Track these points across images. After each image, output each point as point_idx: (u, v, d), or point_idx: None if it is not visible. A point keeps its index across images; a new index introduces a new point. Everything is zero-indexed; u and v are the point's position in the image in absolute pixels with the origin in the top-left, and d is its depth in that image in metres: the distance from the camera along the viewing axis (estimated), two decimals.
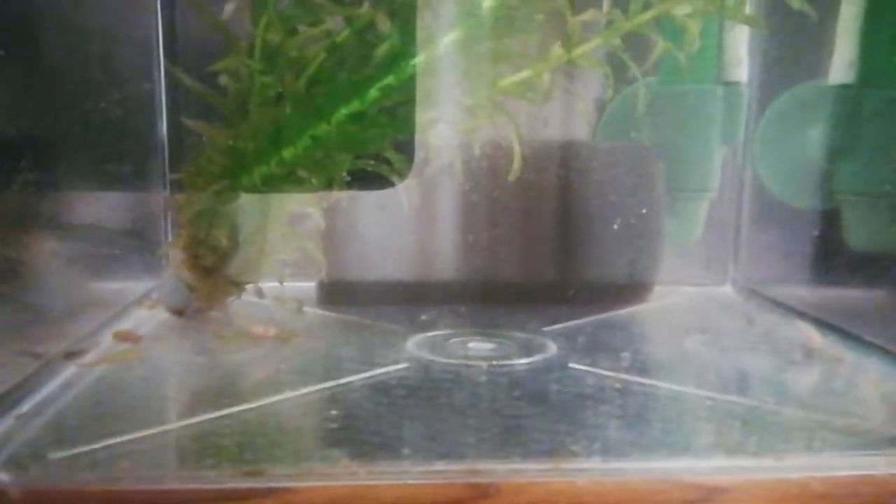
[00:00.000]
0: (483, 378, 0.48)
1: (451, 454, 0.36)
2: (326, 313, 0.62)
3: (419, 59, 0.43)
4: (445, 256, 0.65)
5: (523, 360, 0.51)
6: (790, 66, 0.71)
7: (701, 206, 0.70)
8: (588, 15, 0.47)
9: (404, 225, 0.63)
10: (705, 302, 0.72)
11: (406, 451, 0.36)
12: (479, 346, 0.55)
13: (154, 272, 0.64)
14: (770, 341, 0.58)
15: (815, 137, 0.68)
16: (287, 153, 0.45)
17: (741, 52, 0.67)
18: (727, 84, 0.68)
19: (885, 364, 0.52)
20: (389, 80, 0.43)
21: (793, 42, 0.69)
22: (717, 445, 0.38)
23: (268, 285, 0.58)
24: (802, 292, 0.68)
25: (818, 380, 0.49)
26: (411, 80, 0.44)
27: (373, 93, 0.43)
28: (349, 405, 0.42)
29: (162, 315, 0.60)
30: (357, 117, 0.44)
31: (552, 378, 0.48)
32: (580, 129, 0.71)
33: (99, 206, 0.58)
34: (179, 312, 0.59)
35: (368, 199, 0.61)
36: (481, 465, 0.35)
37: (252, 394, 0.43)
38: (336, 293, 0.64)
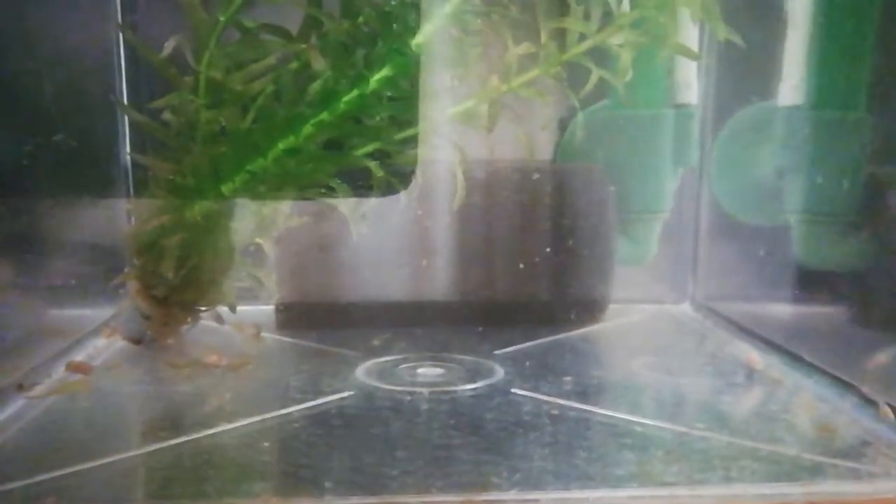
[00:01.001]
0: (424, 406, 0.49)
1: (371, 487, 0.37)
2: (283, 339, 0.63)
3: (352, 95, 0.44)
4: (403, 279, 0.66)
5: (467, 387, 0.52)
6: (744, 88, 0.72)
7: (654, 228, 0.71)
8: (522, 49, 0.49)
9: (361, 248, 0.64)
10: (662, 321, 0.73)
11: (328, 484, 0.37)
12: (428, 371, 0.56)
13: (115, 300, 0.65)
14: (715, 363, 0.59)
15: (766, 156, 0.69)
16: (225, 188, 0.46)
17: (691, 75, 0.68)
18: (678, 107, 0.69)
19: (821, 386, 0.53)
20: (323, 115, 0.44)
21: (746, 64, 0.71)
22: (635, 475, 0.39)
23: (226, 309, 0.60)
24: (754, 310, 0.69)
25: (753, 404, 0.50)
26: (348, 114, 0.45)
27: (307, 128, 0.45)
28: (284, 437, 0.43)
29: (120, 343, 0.61)
30: (293, 152, 0.45)
31: (492, 405, 0.49)
32: (544, 151, 0.72)
33: (60, 234, 0.60)
34: (137, 341, 0.60)
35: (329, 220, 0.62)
36: (399, 498, 0.36)
37: (191, 426, 0.44)
38: (295, 317, 0.65)
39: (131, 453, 0.40)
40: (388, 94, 0.45)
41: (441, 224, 0.63)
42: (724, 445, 0.43)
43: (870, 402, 0.49)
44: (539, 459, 0.40)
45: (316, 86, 0.44)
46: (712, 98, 0.74)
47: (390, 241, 0.64)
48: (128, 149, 0.67)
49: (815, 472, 0.40)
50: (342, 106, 0.44)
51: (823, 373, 0.54)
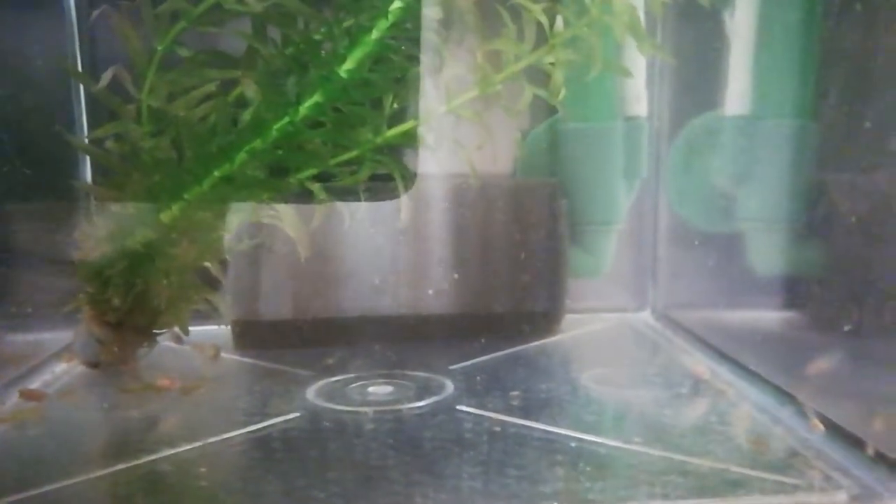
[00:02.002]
0: (369, 426, 0.50)
1: None
2: (241, 359, 0.64)
3: (283, 123, 0.45)
4: (360, 296, 0.66)
5: (414, 405, 0.53)
6: (699, 98, 0.73)
7: (608, 239, 0.71)
8: (458, 69, 0.49)
9: (316, 266, 0.65)
10: (621, 330, 0.74)
11: None
12: (378, 390, 0.56)
13: (74, 324, 0.65)
14: (665, 374, 0.60)
15: (718, 165, 0.70)
16: (164, 216, 0.46)
17: (640, 88, 0.69)
18: (628, 119, 0.70)
19: (764, 396, 0.54)
20: (256, 143, 0.45)
21: (700, 74, 0.71)
22: (560, 493, 0.39)
23: (195, 329, 0.60)
24: (710, 318, 0.69)
25: (693, 416, 0.51)
26: (280, 141, 0.46)
27: (241, 156, 0.45)
28: (222, 462, 0.44)
29: (79, 368, 0.61)
30: (229, 179, 0.46)
31: (435, 423, 0.50)
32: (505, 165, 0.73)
33: (19, 257, 0.60)
34: (94, 365, 0.60)
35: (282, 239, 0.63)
36: None
37: (133, 453, 0.45)
38: (253, 336, 0.66)
39: (68, 482, 0.41)
40: (320, 119, 0.46)
41: (394, 241, 0.64)
42: (655, 460, 0.43)
43: (811, 412, 0.49)
44: (468, 478, 0.41)
45: (247, 114, 0.45)
46: (668, 108, 0.75)
47: (346, 258, 0.65)
48: (89, 173, 0.68)
49: (739, 485, 0.40)
50: (274, 133, 0.45)
51: (766, 382, 0.55)
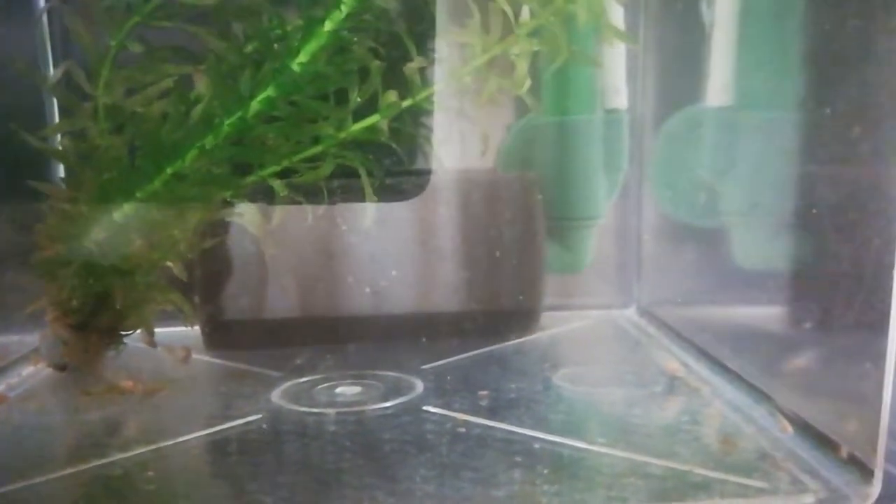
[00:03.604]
0: (331, 427, 0.49)
1: None
2: (212, 360, 0.63)
3: (233, 118, 0.44)
4: (335, 294, 0.65)
5: (379, 405, 0.52)
6: (682, 90, 0.71)
7: (588, 235, 0.70)
8: (417, 63, 0.48)
9: (289, 263, 0.64)
10: (603, 328, 0.72)
11: None
12: (346, 391, 0.55)
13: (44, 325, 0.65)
14: (640, 372, 0.58)
15: (701, 157, 0.68)
16: (117, 215, 0.46)
17: (619, 81, 0.68)
18: (608, 112, 0.68)
19: (739, 394, 0.52)
20: (208, 139, 0.44)
21: (683, 66, 0.70)
22: (514, 497, 0.38)
23: (163, 331, 0.59)
24: (692, 313, 0.68)
25: (664, 415, 0.49)
26: (235, 136, 0.45)
27: (192, 152, 0.44)
28: (173, 466, 0.43)
29: (46, 371, 0.60)
30: (181, 177, 0.45)
31: (398, 424, 0.48)
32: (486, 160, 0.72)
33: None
34: (61, 368, 0.59)
35: (249, 238, 0.62)
36: None
37: (84, 457, 0.44)
38: (224, 336, 0.65)
39: (10, 487, 0.40)
40: (274, 114, 0.45)
41: (364, 238, 0.63)
42: (617, 461, 0.42)
43: (781, 412, 0.48)
44: (422, 481, 0.40)
45: (198, 109, 0.44)
46: (651, 100, 0.73)
47: (317, 256, 0.64)
48: (62, 172, 0.67)
49: (701, 488, 0.39)
50: (225, 128, 0.44)
51: (742, 380, 0.53)
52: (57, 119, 0.65)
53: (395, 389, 0.55)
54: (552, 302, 0.72)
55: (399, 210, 0.64)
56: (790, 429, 0.45)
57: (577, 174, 0.68)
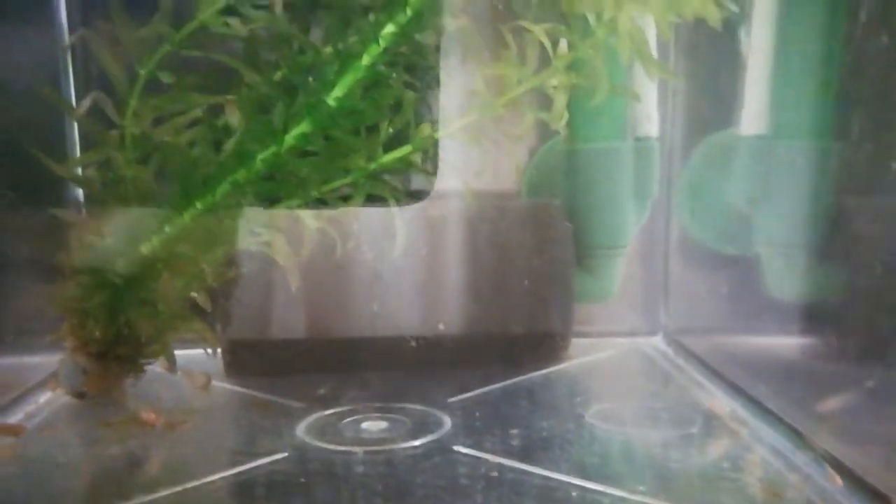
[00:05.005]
0: (359, 468, 0.47)
1: None
2: (231, 388, 0.62)
3: (267, 153, 0.42)
4: (357, 320, 0.64)
5: (408, 444, 0.50)
6: (712, 117, 0.70)
7: (616, 262, 0.68)
8: (456, 94, 0.47)
9: (312, 291, 0.62)
10: (630, 358, 0.71)
11: None
12: (373, 426, 0.54)
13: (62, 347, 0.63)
14: (674, 409, 0.57)
15: (733, 184, 0.67)
16: (145, 248, 0.44)
17: (651, 108, 0.66)
18: (638, 140, 0.67)
19: (779, 437, 0.51)
20: (240, 173, 0.43)
21: (714, 93, 0.69)
22: None
23: (180, 353, 0.58)
24: (723, 345, 0.66)
25: (704, 461, 0.48)
26: (269, 171, 0.44)
27: (224, 187, 0.43)
28: None
29: (64, 398, 0.59)
30: (212, 210, 0.44)
31: (429, 465, 0.47)
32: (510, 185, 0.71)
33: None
34: (80, 395, 0.58)
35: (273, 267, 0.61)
36: None
37: (106, 498, 0.43)
38: (243, 362, 0.64)
39: None
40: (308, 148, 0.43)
41: (391, 266, 0.61)
42: None
43: (826, 459, 0.46)
44: None
45: (231, 143, 0.43)
46: (680, 127, 0.72)
47: (341, 282, 0.62)
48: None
49: None
50: (258, 164, 0.43)
51: (781, 422, 0.52)
52: (76, 136, 0.64)
53: (422, 425, 0.53)
54: (577, 328, 0.70)
55: (426, 238, 0.63)
56: (839, 480, 0.43)
57: (605, 202, 0.66)
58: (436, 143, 0.54)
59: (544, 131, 0.71)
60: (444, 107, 0.48)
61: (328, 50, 0.43)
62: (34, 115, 0.62)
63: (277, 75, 0.45)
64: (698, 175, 0.70)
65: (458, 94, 0.48)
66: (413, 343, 0.64)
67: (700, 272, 0.73)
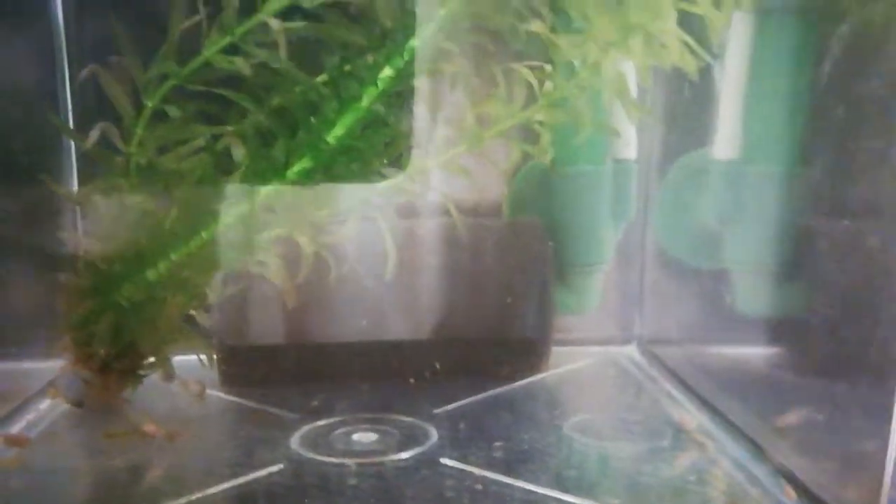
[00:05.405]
0: (352, 481, 0.50)
1: None
2: (226, 397, 0.64)
3: (269, 188, 0.45)
4: (345, 333, 0.67)
5: (398, 456, 0.53)
6: (688, 140, 0.73)
7: (595, 279, 0.72)
8: (442, 131, 0.50)
9: (301, 303, 0.65)
10: (605, 368, 0.74)
11: None
12: (363, 437, 0.57)
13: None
14: (647, 422, 0.60)
15: (705, 204, 0.71)
16: (150, 274, 0.47)
17: (630, 131, 0.69)
18: (617, 161, 0.70)
19: (741, 450, 0.54)
20: (244, 206, 0.45)
21: (690, 116, 0.72)
22: None
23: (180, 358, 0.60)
24: (694, 356, 0.70)
25: (672, 474, 0.51)
26: (271, 203, 0.46)
27: (228, 219, 0.46)
28: None
29: (64, 406, 0.61)
30: (215, 239, 0.46)
31: (417, 478, 0.50)
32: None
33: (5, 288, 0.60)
34: (79, 404, 0.60)
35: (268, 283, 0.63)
36: None
37: None
38: (237, 370, 0.66)
39: None
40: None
41: (380, 282, 0.64)
42: None
43: (783, 474, 0.50)
44: None
45: (235, 177, 0.45)
46: (658, 147, 0.75)
47: (332, 298, 0.65)
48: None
49: None
50: (261, 197, 0.45)
51: (744, 435, 0.56)
52: (74, 149, 0.66)
53: (410, 437, 0.57)
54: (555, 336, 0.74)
55: (414, 254, 0.66)
56: (794, 495, 0.47)
57: (585, 222, 0.69)
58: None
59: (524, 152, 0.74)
60: (436, 137, 0.51)
61: (327, 89, 0.45)
62: (29, 121, 0.63)
63: (278, 109, 0.47)
64: (672, 193, 0.73)
65: (447, 126, 0.51)
66: (400, 354, 0.67)
67: (674, 284, 0.76)
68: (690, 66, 0.50)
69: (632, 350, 0.79)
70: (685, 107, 0.72)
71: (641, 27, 0.45)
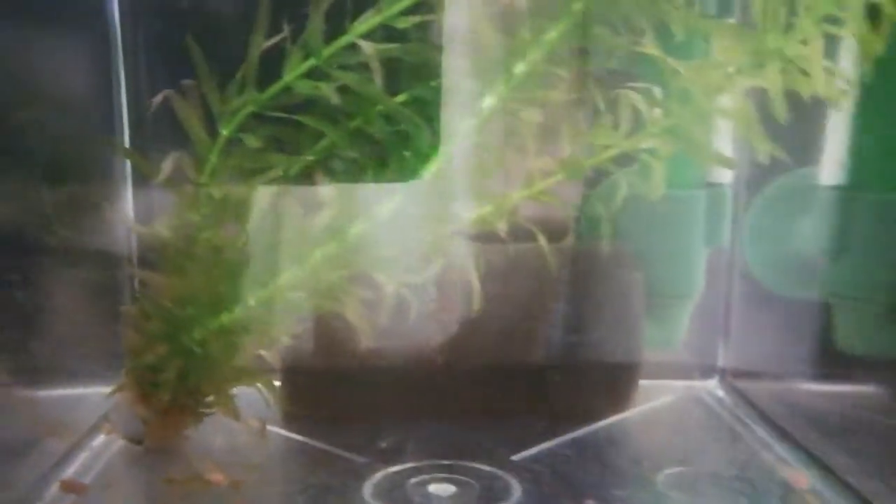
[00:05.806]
0: None
1: None
2: (288, 435, 0.60)
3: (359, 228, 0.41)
4: (417, 372, 0.62)
5: None
6: (779, 162, 0.68)
7: (683, 311, 0.67)
8: (543, 163, 0.45)
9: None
10: (689, 406, 0.69)
11: None
12: (440, 489, 0.52)
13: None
14: (747, 475, 0.55)
15: (804, 229, 0.65)
16: (225, 318, 0.43)
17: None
18: (710, 186, 0.65)
19: None
20: (331, 247, 0.41)
21: (784, 134, 0.67)
22: None
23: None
24: (787, 397, 0.65)
25: None
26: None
27: (312, 263, 0.41)
28: None
29: (119, 443, 0.58)
30: (298, 284, 0.42)
31: None
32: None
33: (58, 314, 0.57)
34: (138, 441, 0.57)
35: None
36: None
37: None
38: (299, 405, 0.62)
39: None
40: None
41: (454, 318, 0.60)
42: None
43: None
44: None
45: (323, 218, 0.41)
46: (747, 168, 0.70)
47: (397, 332, 0.61)
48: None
49: None
50: (350, 238, 0.41)
51: (858, 496, 0.50)
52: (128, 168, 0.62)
53: (490, 491, 0.52)
54: None
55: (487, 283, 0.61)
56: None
57: (677, 250, 0.64)
58: None
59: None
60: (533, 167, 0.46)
61: (421, 120, 0.41)
62: (82, 129, 0.60)
63: (363, 136, 0.42)
64: (766, 217, 0.68)
65: (544, 155, 0.46)
66: (472, 388, 0.63)
67: (763, 316, 0.71)
68: (835, 95, 0.44)
69: (713, 385, 0.73)
70: (781, 123, 0.67)
71: (778, 52, 0.40)
